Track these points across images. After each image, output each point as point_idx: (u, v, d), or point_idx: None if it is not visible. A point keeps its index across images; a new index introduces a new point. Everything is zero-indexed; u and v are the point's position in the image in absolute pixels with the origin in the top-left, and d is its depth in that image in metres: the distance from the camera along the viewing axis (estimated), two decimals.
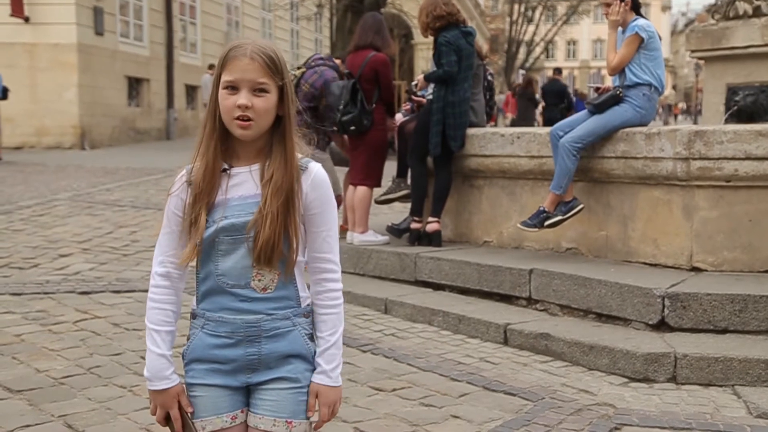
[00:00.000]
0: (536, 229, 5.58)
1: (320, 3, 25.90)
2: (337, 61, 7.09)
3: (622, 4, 5.52)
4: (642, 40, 5.41)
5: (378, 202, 6.98)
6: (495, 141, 6.17)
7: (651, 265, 5.30)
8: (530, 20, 44.81)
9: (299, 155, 1.94)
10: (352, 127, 6.47)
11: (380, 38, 6.67)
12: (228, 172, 1.91)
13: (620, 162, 5.40)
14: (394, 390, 3.96)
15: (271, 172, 1.88)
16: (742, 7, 7.33)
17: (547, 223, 5.51)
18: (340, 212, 7.47)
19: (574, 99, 19.82)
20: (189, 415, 1.94)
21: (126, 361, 4.24)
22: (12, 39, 17.16)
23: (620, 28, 5.59)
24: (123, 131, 19.56)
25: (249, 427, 1.96)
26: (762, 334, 4.43)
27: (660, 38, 5.65)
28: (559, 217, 5.48)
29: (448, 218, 6.58)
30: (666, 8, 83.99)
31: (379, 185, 6.80)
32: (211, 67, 21.37)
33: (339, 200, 6.48)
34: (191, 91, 23.49)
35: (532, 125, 17.80)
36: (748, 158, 4.97)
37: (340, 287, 2.00)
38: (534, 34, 45.74)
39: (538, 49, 49.52)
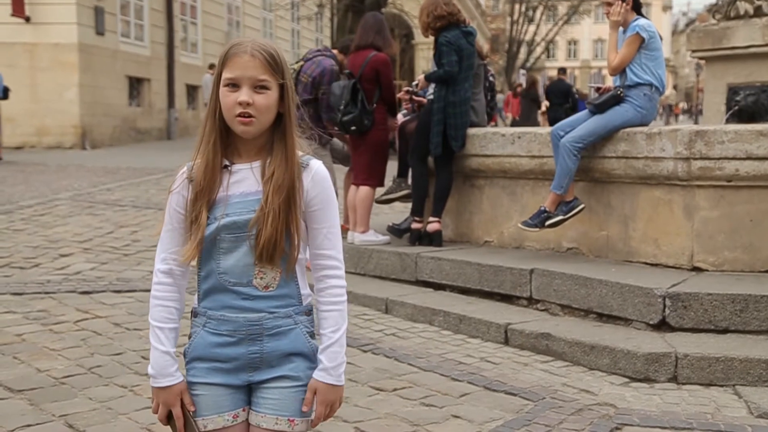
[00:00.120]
0: (537, 229, 5.57)
1: (321, 3, 25.93)
2: (335, 51, 7.06)
3: (623, 4, 5.52)
4: (643, 40, 5.41)
5: (379, 202, 6.98)
6: (496, 141, 6.17)
7: (652, 265, 5.30)
8: (531, 20, 44.79)
9: (300, 153, 1.94)
10: (353, 127, 6.47)
11: (381, 38, 6.67)
12: (229, 169, 1.91)
13: (621, 162, 5.40)
14: (394, 390, 3.96)
15: (272, 169, 1.88)
16: (743, 6, 7.32)
17: (548, 223, 5.51)
18: (339, 211, 7.47)
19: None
20: (191, 413, 1.94)
21: (127, 360, 4.24)
22: (13, 39, 17.17)
23: (621, 28, 5.59)
24: (124, 131, 19.57)
25: (251, 425, 1.96)
26: (763, 334, 4.42)
27: (661, 38, 5.64)
28: (560, 217, 5.48)
29: (449, 218, 6.58)
30: (667, 8, 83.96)
31: (381, 185, 6.80)
32: (211, 66, 21.36)
33: None
34: (192, 90, 23.50)
35: (535, 126, 17.80)
36: (749, 158, 4.97)
37: (343, 284, 1.98)
38: (535, 33, 45.73)
39: (538, 49, 49.51)
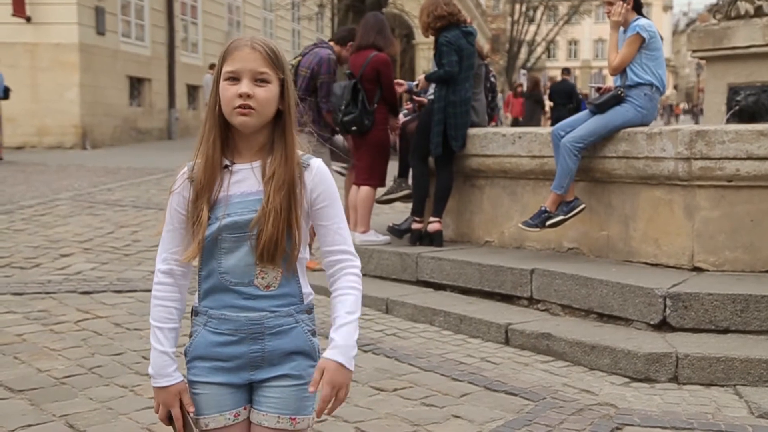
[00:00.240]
0: (538, 229, 5.57)
1: (321, 3, 25.94)
2: (331, 43, 7.04)
3: (624, 4, 5.52)
4: (643, 39, 5.41)
5: (379, 202, 6.98)
6: (496, 141, 6.17)
7: (652, 265, 5.30)
8: (532, 20, 44.76)
9: (300, 152, 1.94)
10: (354, 128, 6.47)
11: (382, 38, 6.67)
12: (230, 169, 1.91)
13: (622, 162, 5.39)
14: (395, 390, 3.96)
15: (272, 169, 1.89)
16: (744, 6, 7.32)
17: (548, 223, 5.51)
18: None
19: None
20: (190, 414, 1.94)
21: (127, 360, 4.24)
22: (13, 39, 17.18)
23: (621, 28, 5.59)
24: (124, 131, 19.58)
25: (252, 423, 1.96)
26: (763, 334, 4.42)
27: (661, 38, 5.64)
28: (561, 217, 5.48)
29: (450, 218, 6.58)
30: (667, 8, 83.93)
31: (382, 185, 6.80)
32: (212, 66, 21.34)
33: None
34: (193, 90, 23.52)
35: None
36: (749, 158, 4.97)
37: (359, 274, 1.97)
38: (535, 33, 45.70)
39: (539, 49, 49.49)
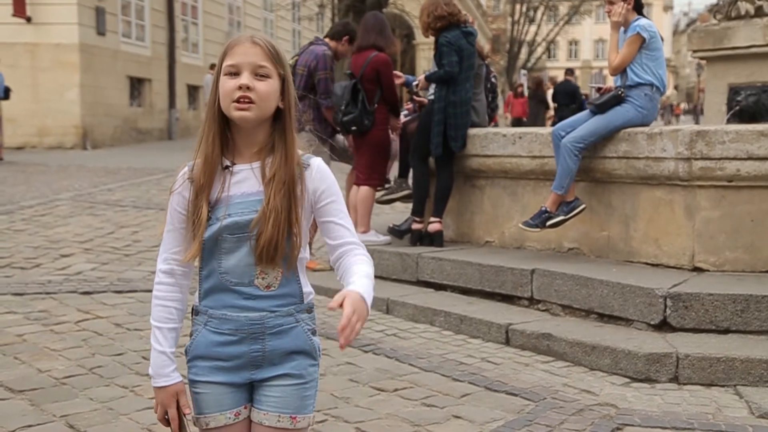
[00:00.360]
0: (538, 230, 5.57)
1: (322, 3, 25.94)
2: (326, 39, 7.02)
3: (625, 4, 5.51)
4: (644, 40, 5.41)
5: (379, 202, 6.97)
6: (497, 141, 6.17)
7: (653, 265, 5.30)
8: (532, 20, 44.75)
9: (300, 151, 1.94)
10: (353, 128, 6.48)
11: (383, 38, 6.67)
12: (230, 169, 1.91)
13: (622, 162, 5.39)
14: (395, 390, 3.96)
15: (273, 170, 1.88)
16: (744, 7, 7.32)
17: (549, 223, 5.51)
18: None
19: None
20: (186, 416, 1.94)
21: (128, 361, 4.24)
22: (14, 39, 17.18)
23: (622, 28, 5.59)
24: (125, 131, 19.58)
25: (253, 423, 1.96)
26: (764, 334, 4.42)
27: (662, 38, 5.64)
28: (561, 218, 5.48)
29: (450, 218, 6.58)
30: (668, 8, 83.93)
31: (382, 185, 6.80)
32: (212, 67, 21.23)
33: None
34: (193, 91, 23.52)
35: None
36: (750, 158, 4.97)
37: (369, 257, 1.94)
38: (536, 34, 45.70)
39: (539, 50, 49.49)
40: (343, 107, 6.45)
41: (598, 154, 5.48)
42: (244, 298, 1.90)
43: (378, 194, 6.82)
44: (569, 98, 17.94)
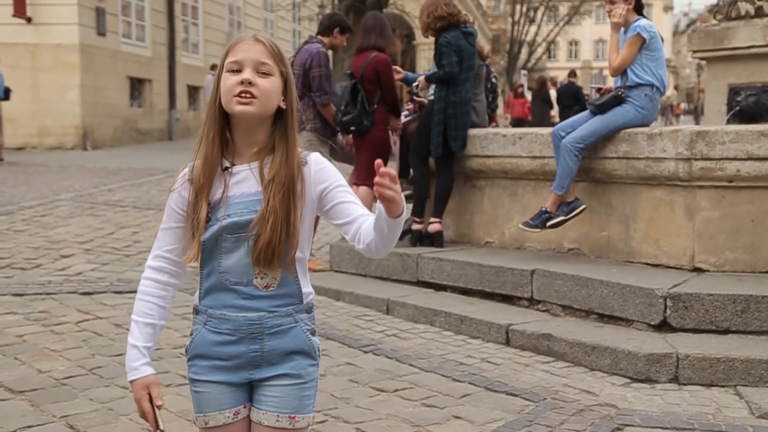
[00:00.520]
0: (538, 230, 5.57)
1: (322, 3, 25.90)
2: (319, 37, 7.01)
3: (625, 5, 5.51)
4: (644, 40, 5.41)
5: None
6: (497, 141, 6.17)
7: (653, 265, 5.30)
8: (532, 21, 44.76)
9: (299, 149, 1.94)
10: (352, 128, 6.48)
11: (383, 39, 6.68)
12: (230, 170, 1.91)
13: (622, 162, 5.39)
14: (396, 391, 3.96)
15: (273, 171, 1.88)
16: (744, 7, 7.31)
17: (549, 223, 5.51)
18: None
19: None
20: (159, 408, 1.92)
21: None
22: (14, 39, 17.18)
23: (622, 29, 5.59)
24: (125, 132, 19.58)
25: (252, 422, 1.96)
26: (764, 335, 4.42)
27: (662, 39, 5.64)
28: (561, 218, 5.48)
29: (450, 219, 6.58)
30: (668, 8, 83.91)
31: None
32: (213, 67, 21.36)
33: None
34: (193, 91, 23.52)
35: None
36: (750, 158, 4.97)
37: None
38: (536, 34, 45.70)
39: (540, 50, 49.49)
40: (342, 107, 6.45)
41: (599, 154, 5.48)
42: (242, 298, 1.90)
43: None
44: (573, 99, 17.94)
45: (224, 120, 1.91)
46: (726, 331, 4.48)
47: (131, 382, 1.93)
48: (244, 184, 1.90)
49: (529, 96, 24.13)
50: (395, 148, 6.83)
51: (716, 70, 7.79)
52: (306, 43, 6.93)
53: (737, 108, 7.19)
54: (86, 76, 17.70)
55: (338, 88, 6.57)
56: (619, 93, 5.43)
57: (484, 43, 13.89)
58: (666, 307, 4.54)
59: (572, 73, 20.32)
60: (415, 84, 6.81)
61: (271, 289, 1.91)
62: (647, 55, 5.45)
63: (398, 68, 6.82)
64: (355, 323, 5.25)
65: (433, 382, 4.09)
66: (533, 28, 45.18)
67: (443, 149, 6.22)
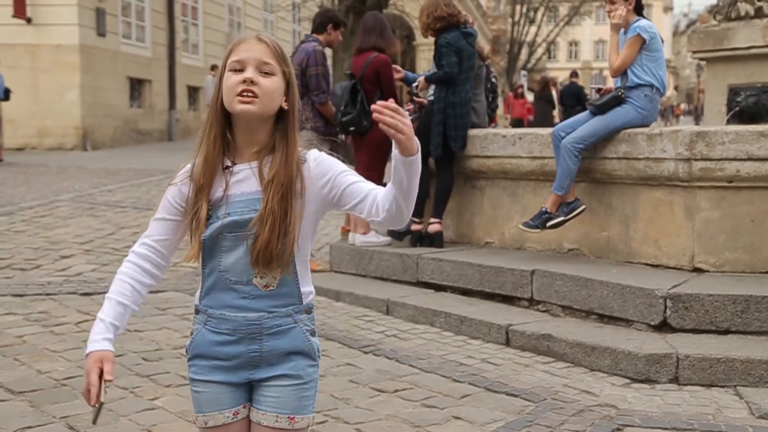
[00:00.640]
0: (538, 230, 5.57)
1: (322, 4, 25.92)
2: (315, 35, 7.01)
3: (625, 6, 5.50)
4: (644, 41, 5.41)
5: None
6: (497, 142, 6.17)
7: (653, 265, 5.30)
8: (532, 21, 44.78)
9: (300, 149, 1.94)
10: (352, 128, 6.48)
11: (383, 39, 6.68)
12: (230, 169, 1.91)
13: (622, 163, 5.39)
14: (395, 391, 3.96)
15: (272, 172, 1.88)
16: (744, 8, 7.31)
17: (549, 224, 5.51)
18: (341, 213, 7.47)
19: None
20: (107, 384, 1.84)
21: (127, 362, 4.24)
22: (14, 40, 17.18)
23: (622, 30, 5.59)
24: (125, 132, 19.58)
25: (252, 422, 1.97)
26: (764, 335, 4.42)
27: (662, 39, 5.64)
28: (561, 218, 5.48)
29: (450, 219, 6.58)
30: (668, 9, 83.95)
31: (381, 185, 6.78)
32: (213, 68, 21.38)
33: None
34: (193, 92, 23.52)
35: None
36: (749, 159, 4.97)
37: None
38: (536, 35, 45.72)
39: (539, 50, 49.50)
40: (342, 107, 6.46)
41: (598, 154, 5.48)
42: (242, 297, 1.90)
43: None
44: (575, 100, 17.95)
45: (226, 120, 1.91)
46: (726, 332, 4.47)
47: (87, 354, 1.85)
48: (245, 183, 1.90)
49: (529, 97, 24.14)
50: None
51: (716, 71, 7.79)
52: (302, 42, 6.94)
53: (737, 108, 7.19)
54: (86, 77, 17.70)
55: (338, 89, 6.58)
56: (619, 93, 5.43)
57: (484, 44, 13.90)
58: (666, 307, 4.54)
59: (574, 74, 20.32)
60: (414, 84, 6.81)
61: (271, 288, 1.91)
62: (647, 55, 5.45)
63: (398, 67, 6.82)
64: (355, 324, 5.25)
65: (433, 383, 4.09)
66: (533, 29, 45.20)
67: (443, 149, 6.22)
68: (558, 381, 4.20)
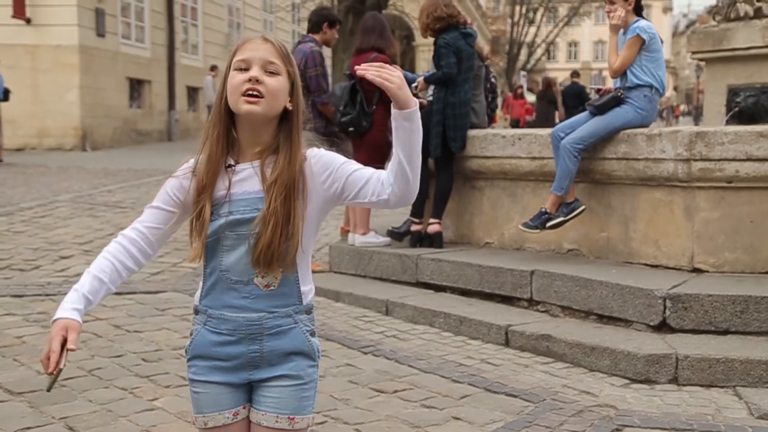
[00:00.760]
0: (538, 231, 5.57)
1: (321, 4, 25.92)
2: (311, 35, 7.01)
3: (626, 5, 5.50)
4: (643, 41, 5.41)
5: None
6: (496, 142, 6.17)
7: (652, 266, 5.30)
8: (531, 22, 44.78)
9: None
10: (351, 128, 6.48)
11: (383, 40, 6.68)
12: (233, 168, 1.91)
13: (621, 163, 5.39)
14: (395, 392, 3.96)
15: (276, 173, 1.87)
16: (743, 8, 7.32)
17: (548, 224, 5.51)
18: (341, 214, 7.48)
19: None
20: (67, 352, 1.80)
21: (127, 363, 4.24)
22: (14, 40, 17.18)
23: (621, 30, 5.59)
24: (124, 133, 19.58)
25: (252, 423, 1.97)
26: (763, 335, 4.42)
27: (661, 40, 5.64)
28: (561, 219, 5.48)
29: (450, 219, 6.58)
30: (667, 10, 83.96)
31: None
32: (212, 68, 21.40)
33: None
34: (192, 92, 23.51)
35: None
36: (749, 159, 4.97)
37: None
38: (535, 35, 45.71)
39: (539, 51, 49.50)
40: (341, 108, 6.46)
41: (598, 155, 5.48)
42: (243, 297, 1.90)
43: None
44: (576, 100, 17.96)
45: (230, 119, 1.91)
46: (725, 332, 4.48)
47: (54, 321, 1.84)
48: (247, 183, 1.90)
49: (529, 97, 24.14)
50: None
51: (715, 71, 7.79)
52: (299, 43, 6.94)
53: (736, 109, 7.19)
54: (86, 77, 17.70)
55: (337, 89, 6.58)
56: (619, 94, 5.43)
57: (483, 44, 13.92)
58: (665, 307, 4.54)
59: (575, 74, 20.33)
60: (414, 85, 6.81)
61: (272, 288, 1.91)
62: (646, 56, 5.45)
63: (397, 67, 6.81)
64: (354, 324, 5.25)
65: (432, 383, 4.09)
66: (533, 29, 45.19)
67: (442, 150, 6.22)
68: (557, 381, 4.20)
